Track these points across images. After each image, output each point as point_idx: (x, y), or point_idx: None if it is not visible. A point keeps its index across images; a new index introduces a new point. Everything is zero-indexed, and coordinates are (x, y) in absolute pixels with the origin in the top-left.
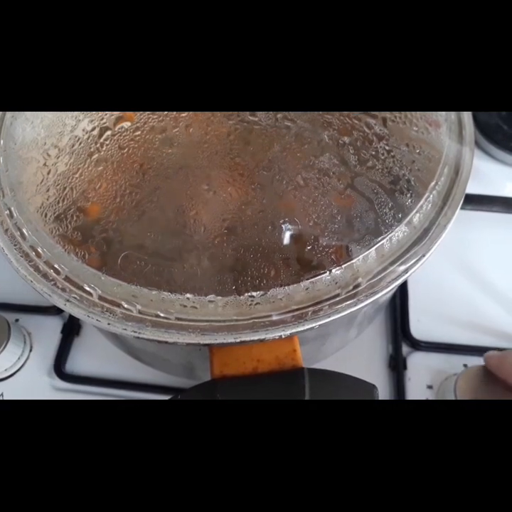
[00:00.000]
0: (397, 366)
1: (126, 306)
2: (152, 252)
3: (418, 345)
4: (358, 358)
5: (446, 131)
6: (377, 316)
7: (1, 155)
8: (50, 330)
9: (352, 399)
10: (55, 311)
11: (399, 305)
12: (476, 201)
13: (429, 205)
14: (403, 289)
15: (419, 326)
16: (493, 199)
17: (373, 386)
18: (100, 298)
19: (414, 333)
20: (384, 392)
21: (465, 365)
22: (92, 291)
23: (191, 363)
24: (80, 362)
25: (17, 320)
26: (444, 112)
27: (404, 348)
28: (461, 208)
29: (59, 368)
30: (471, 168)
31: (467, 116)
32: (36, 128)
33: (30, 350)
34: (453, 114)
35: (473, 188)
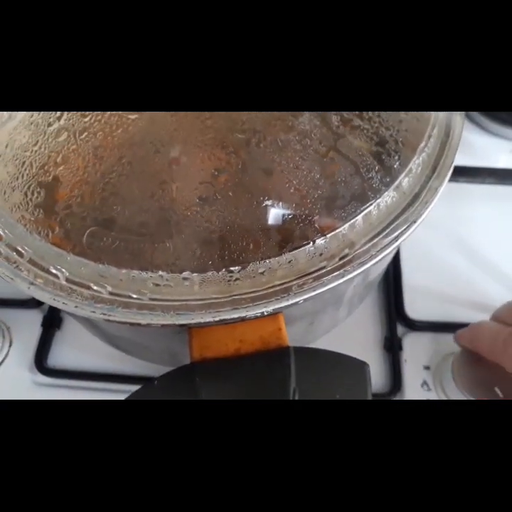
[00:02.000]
0: (392, 347)
1: (95, 287)
2: (120, 227)
3: (414, 326)
4: (352, 340)
5: None
6: (369, 295)
7: None
8: (29, 324)
9: (341, 377)
10: (34, 304)
11: (392, 284)
12: (469, 173)
13: (419, 168)
14: (396, 267)
15: (414, 306)
16: (486, 171)
17: (364, 363)
18: (67, 280)
19: (409, 313)
20: (380, 374)
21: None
22: (58, 273)
23: (173, 348)
24: (62, 356)
25: None
26: None
27: (400, 329)
28: (455, 181)
29: (40, 363)
30: (462, 129)
31: None
32: None
33: (10, 345)
34: None
35: (466, 160)
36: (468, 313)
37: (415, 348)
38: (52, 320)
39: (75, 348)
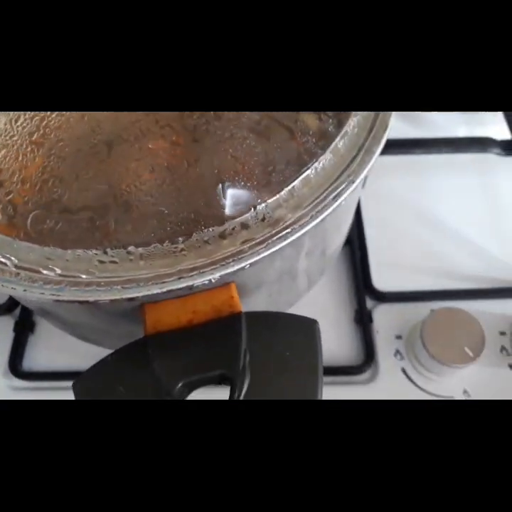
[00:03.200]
0: (362, 320)
1: (44, 272)
2: (62, 209)
3: (382, 298)
4: (322, 314)
5: None
6: (336, 269)
7: None
8: (1, 330)
9: (292, 336)
10: (4, 310)
11: (358, 258)
12: (426, 145)
13: (355, 130)
14: (361, 241)
15: (382, 278)
16: (442, 141)
17: (313, 321)
18: (16, 266)
19: (377, 285)
20: (353, 346)
21: (431, 310)
22: (6, 261)
23: (131, 331)
24: (37, 359)
25: None
26: None
27: (369, 302)
28: (412, 153)
29: (15, 367)
30: None
31: None
32: None
33: None
34: None
35: (423, 133)
36: (435, 281)
37: (386, 319)
38: (24, 324)
39: (49, 350)
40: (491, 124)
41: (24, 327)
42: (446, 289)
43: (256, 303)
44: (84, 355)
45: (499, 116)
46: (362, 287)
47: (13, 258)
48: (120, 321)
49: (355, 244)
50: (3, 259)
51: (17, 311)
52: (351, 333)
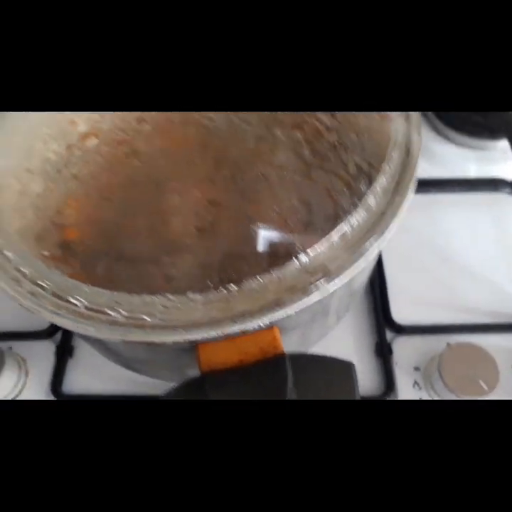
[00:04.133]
0: (382, 352)
1: (111, 313)
2: (130, 258)
3: (401, 330)
4: (345, 347)
5: (393, 116)
6: (358, 304)
7: None
8: (43, 354)
9: (331, 377)
10: (46, 335)
11: (378, 292)
12: (440, 185)
13: (384, 188)
14: (381, 276)
15: (401, 311)
16: (455, 181)
17: (350, 363)
18: (86, 308)
19: (396, 318)
20: (374, 377)
21: (448, 344)
22: (77, 302)
23: (183, 364)
24: (76, 382)
25: (10, 348)
26: None
27: (389, 334)
28: (427, 192)
29: (56, 390)
30: (420, 149)
31: None
32: (6, 155)
33: (27, 376)
34: None
35: (435, 171)
36: (451, 314)
37: (404, 351)
38: (65, 349)
39: (87, 374)
40: (501, 163)
41: (64, 351)
42: (461, 323)
43: (291, 341)
44: (121, 379)
45: (509, 154)
46: (382, 320)
47: (84, 300)
48: (172, 356)
49: (376, 279)
50: (75, 301)
51: (58, 336)
52: (372, 364)
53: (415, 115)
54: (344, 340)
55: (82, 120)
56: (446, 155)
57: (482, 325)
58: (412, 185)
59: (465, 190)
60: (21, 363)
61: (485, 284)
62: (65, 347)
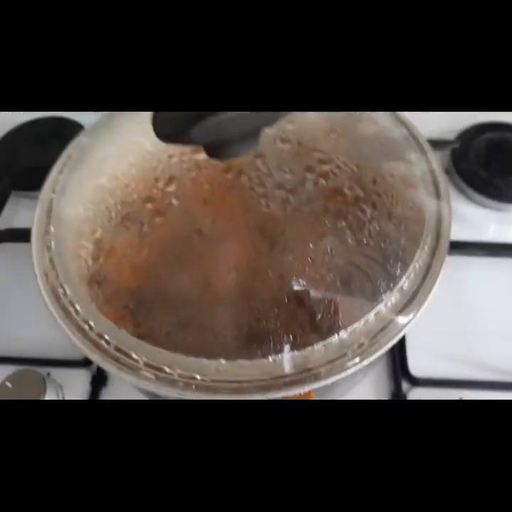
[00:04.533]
0: None
1: (168, 370)
2: (189, 324)
3: (417, 382)
4: (364, 394)
5: (423, 193)
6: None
7: (53, 240)
8: (79, 382)
9: None
10: (83, 364)
11: (397, 346)
12: (461, 247)
13: (417, 272)
14: None
15: (418, 363)
16: (477, 245)
17: None
18: (145, 364)
19: (413, 370)
20: None
21: (461, 398)
22: (138, 358)
23: None
24: None
25: (49, 374)
26: (419, 174)
27: (405, 385)
28: (449, 254)
29: None
30: (448, 239)
31: (440, 175)
32: (80, 216)
33: None
34: (427, 174)
35: (459, 233)
36: (466, 370)
37: None
38: (100, 378)
39: None
40: None
41: (99, 381)
42: (476, 379)
43: (324, 397)
44: None
45: None
46: (399, 372)
47: (143, 357)
48: None
49: None
50: (135, 356)
51: (94, 366)
52: None
53: (444, 188)
54: (364, 390)
55: (155, 197)
56: (468, 215)
57: (496, 382)
58: (441, 273)
59: (483, 253)
60: (59, 389)
61: (501, 343)
62: (100, 376)
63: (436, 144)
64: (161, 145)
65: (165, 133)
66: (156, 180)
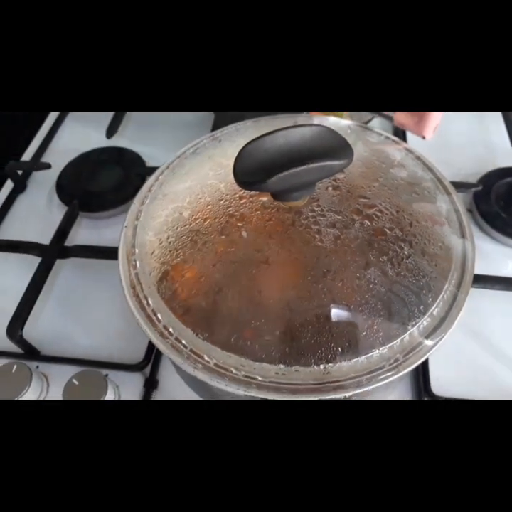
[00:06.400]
0: None
1: (234, 371)
2: (255, 332)
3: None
4: None
5: (450, 231)
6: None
7: (138, 260)
8: (134, 384)
9: None
10: (138, 368)
11: (420, 366)
12: (482, 281)
13: (444, 301)
14: None
15: (439, 385)
16: (494, 279)
17: None
18: (215, 365)
19: (434, 390)
20: None
21: None
22: (210, 360)
23: None
24: None
25: (106, 375)
26: (445, 213)
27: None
28: (472, 287)
29: None
30: (472, 274)
31: (464, 215)
32: (162, 241)
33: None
34: (452, 213)
35: (480, 267)
36: (486, 393)
37: None
38: (152, 381)
39: None
40: None
41: (152, 383)
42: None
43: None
44: None
45: None
46: (422, 389)
47: (214, 359)
48: None
49: None
50: (207, 358)
51: (147, 371)
52: None
53: (468, 227)
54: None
55: (228, 229)
56: (488, 252)
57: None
58: (465, 302)
59: (501, 288)
60: (116, 390)
61: None
62: (152, 380)
63: (460, 186)
64: (233, 188)
65: (245, 182)
66: (230, 216)
